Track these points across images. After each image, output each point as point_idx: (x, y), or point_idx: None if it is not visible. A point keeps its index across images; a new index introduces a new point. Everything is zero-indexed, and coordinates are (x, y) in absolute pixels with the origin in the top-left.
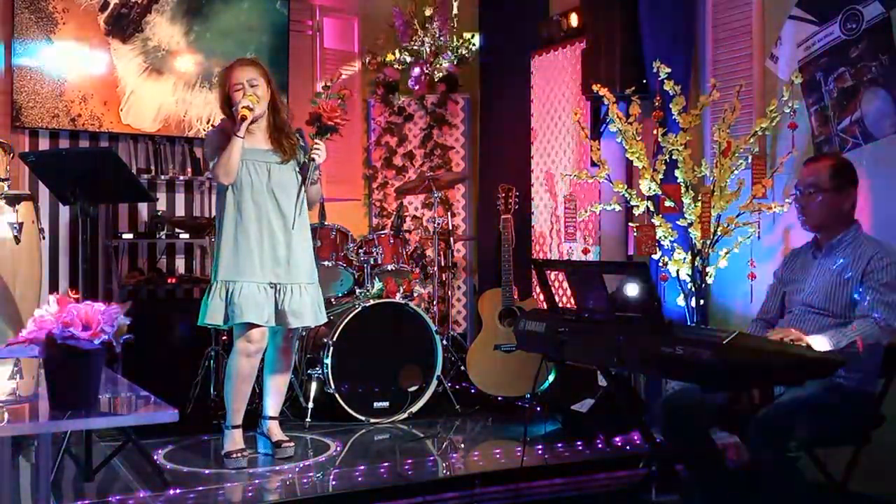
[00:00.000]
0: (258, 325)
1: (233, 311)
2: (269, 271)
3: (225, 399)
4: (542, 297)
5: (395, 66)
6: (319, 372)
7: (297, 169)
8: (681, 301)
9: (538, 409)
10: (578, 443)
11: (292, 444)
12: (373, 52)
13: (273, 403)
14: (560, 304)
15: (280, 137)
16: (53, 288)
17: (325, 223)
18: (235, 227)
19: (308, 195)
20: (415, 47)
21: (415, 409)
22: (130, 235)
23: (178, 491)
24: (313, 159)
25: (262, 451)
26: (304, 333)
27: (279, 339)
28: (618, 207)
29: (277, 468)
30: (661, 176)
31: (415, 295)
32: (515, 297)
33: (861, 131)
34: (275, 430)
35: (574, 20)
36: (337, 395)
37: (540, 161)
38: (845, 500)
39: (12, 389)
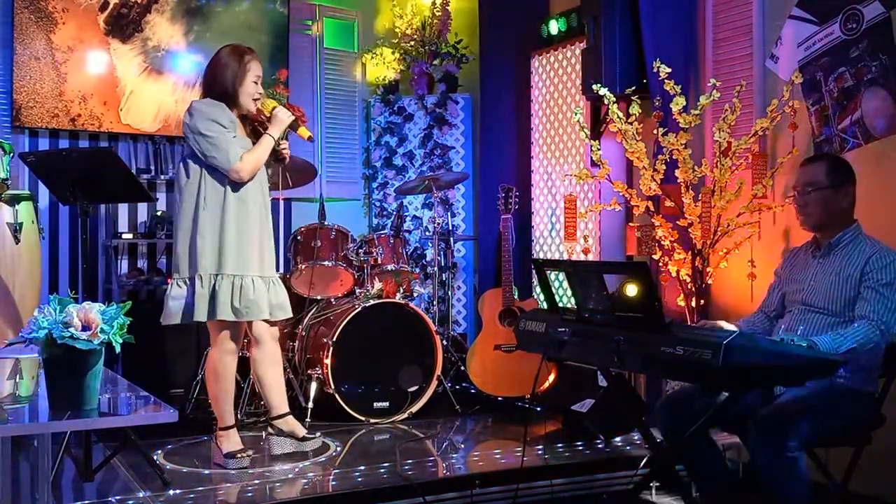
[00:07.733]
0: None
1: (248, 308)
2: (266, 265)
3: (216, 402)
4: (542, 297)
5: (396, 66)
6: (319, 372)
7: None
8: (681, 301)
9: (538, 409)
10: (578, 443)
11: (317, 434)
12: (373, 52)
13: (281, 399)
14: (560, 304)
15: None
16: (53, 288)
17: (325, 223)
18: (238, 220)
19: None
20: (415, 47)
21: (415, 409)
22: (130, 235)
23: (178, 491)
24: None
25: (276, 452)
26: (304, 334)
27: (273, 330)
28: (618, 207)
29: (277, 468)
30: (661, 176)
31: (415, 295)
32: (515, 297)
33: (861, 131)
34: (295, 426)
35: (574, 20)
36: (337, 396)
37: (540, 161)
38: (845, 500)
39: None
